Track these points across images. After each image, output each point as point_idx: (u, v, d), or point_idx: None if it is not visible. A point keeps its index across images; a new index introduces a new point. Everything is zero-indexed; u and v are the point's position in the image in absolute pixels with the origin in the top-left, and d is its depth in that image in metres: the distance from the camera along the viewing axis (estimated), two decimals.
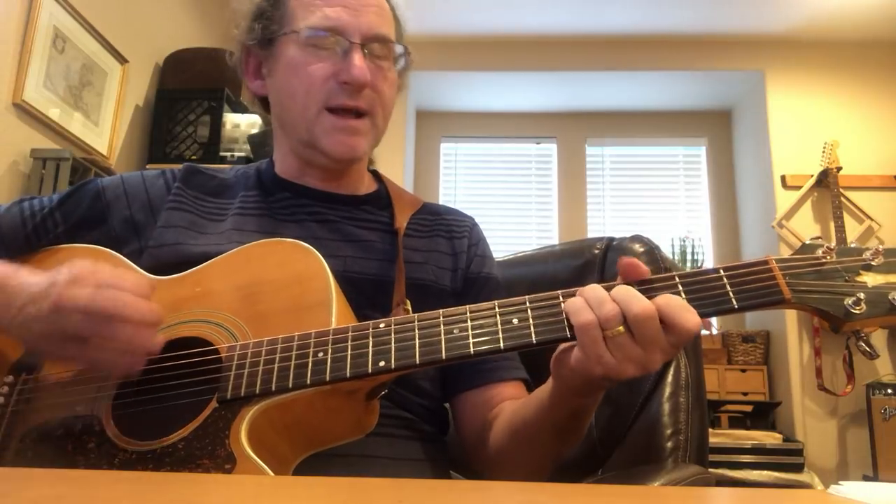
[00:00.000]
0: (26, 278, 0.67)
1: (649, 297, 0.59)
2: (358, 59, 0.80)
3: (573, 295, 0.61)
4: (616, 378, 0.59)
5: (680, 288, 0.60)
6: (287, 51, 0.83)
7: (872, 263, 0.59)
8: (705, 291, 0.59)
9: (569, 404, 0.67)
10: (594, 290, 0.60)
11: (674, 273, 0.61)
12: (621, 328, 0.57)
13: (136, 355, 0.63)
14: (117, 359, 0.62)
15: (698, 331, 0.58)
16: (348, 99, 0.81)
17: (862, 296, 0.57)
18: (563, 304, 0.60)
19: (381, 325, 0.62)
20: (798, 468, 2.94)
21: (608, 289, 0.60)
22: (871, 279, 0.58)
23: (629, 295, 0.58)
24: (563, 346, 0.63)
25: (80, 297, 0.61)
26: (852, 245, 0.60)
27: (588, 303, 0.59)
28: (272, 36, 0.85)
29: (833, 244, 0.60)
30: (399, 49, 0.87)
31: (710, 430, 2.70)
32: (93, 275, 0.63)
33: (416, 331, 0.61)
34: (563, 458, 0.77)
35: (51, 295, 0.62)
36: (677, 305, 0.58)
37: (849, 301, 0.57)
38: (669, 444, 0.89)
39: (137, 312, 0.62)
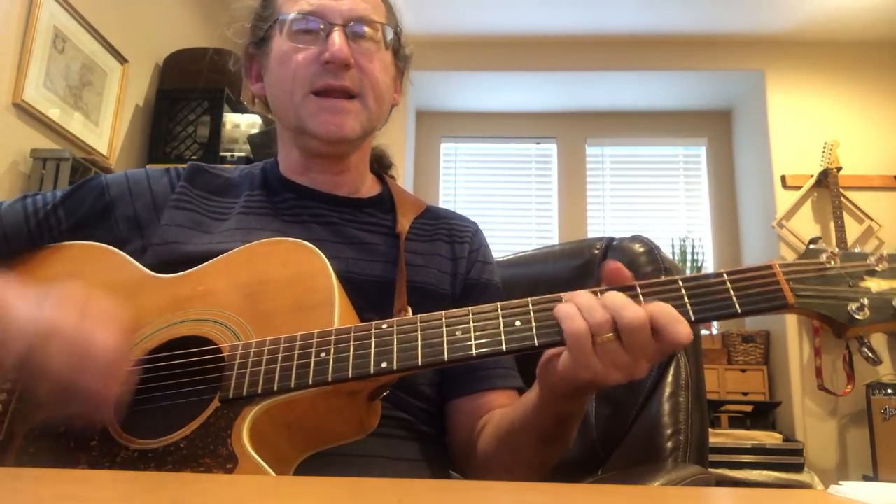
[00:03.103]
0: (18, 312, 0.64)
1: (644, 302, 0.59)
2: (338, 38, 0.81)
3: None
4: (602, 384, 0.60)
5: (683, 292, 0.59)
6: (277, 45, 0.86)
7: (876, 269, 0.58)
8: (709, 296, 0.59)
9: (554, 410, 0.68)
10: (586, 296, 0.60)
11: (677, 277, 0.60)
12: (611, 335, 0.58)
13: (98, 411, 0.62)
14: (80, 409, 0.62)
15: (689, 342, 0.58)
16: (332, 79, 0.82)
17: (866, 301, 0.57)
18: (554, 310, 0.60)
19: (384, 326, 0.62)
20: (798, 468, 2.95)
21: (600, 294, 0.60)
22: (874, 285, 0.58)
23: (621, 302, 0.58)
24: (549, 352, 0.63)
25: (51, 367, 0.59)
26: (856, 249, 0.60)
27: (580, 309, 0.59)
28: (264, 35, 0.88)
29: (837, 249, 0.59)
30: (388, 31, 0.87)
31: (710, 430, 2.70)
32: (74, 341, 0.60)
33: (419, 332, 0.61)
34: (550, 465, 0.77)
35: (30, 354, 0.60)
36: (670, 317, 0.57)
37: (852, 307, 0.57)
38: (669, 444, 0.89)
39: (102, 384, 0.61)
